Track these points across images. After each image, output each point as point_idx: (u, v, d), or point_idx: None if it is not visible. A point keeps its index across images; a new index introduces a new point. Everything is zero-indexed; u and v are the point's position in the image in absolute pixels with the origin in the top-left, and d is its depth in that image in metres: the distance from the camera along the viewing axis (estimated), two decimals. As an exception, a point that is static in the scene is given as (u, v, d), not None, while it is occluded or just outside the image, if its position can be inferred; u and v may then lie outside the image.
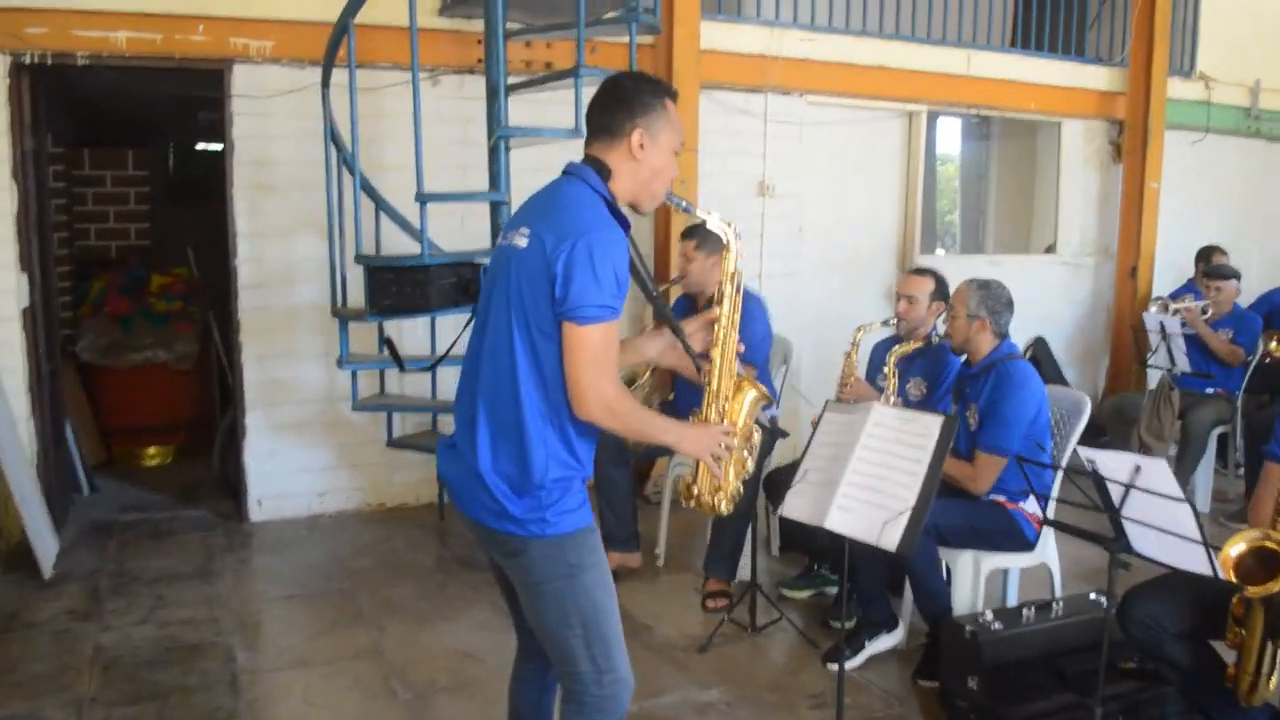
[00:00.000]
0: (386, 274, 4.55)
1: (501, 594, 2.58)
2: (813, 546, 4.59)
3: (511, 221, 2.40)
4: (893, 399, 4.16)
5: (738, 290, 2.55)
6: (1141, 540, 2.56)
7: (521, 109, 5.02)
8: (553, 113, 5.30)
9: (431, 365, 4.86)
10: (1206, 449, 5.79)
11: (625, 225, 2.29)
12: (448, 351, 4.83)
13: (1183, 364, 5.79)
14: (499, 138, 4.48)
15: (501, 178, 4.56)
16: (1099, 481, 2.56)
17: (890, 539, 2.77)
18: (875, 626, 3.95)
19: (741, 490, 2.60)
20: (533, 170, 3.44)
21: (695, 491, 2.61)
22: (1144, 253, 7.63)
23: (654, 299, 2.53)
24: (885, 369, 4.23)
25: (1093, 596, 3.68)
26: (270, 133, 5.31)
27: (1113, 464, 2.52)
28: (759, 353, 4.44)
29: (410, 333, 5.54)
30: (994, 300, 3.91)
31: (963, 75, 6.98)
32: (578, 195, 2.29)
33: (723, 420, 2.52)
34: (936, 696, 3.61)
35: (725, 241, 2.54)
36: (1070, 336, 7.87)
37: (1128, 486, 2.47)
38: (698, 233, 4.51)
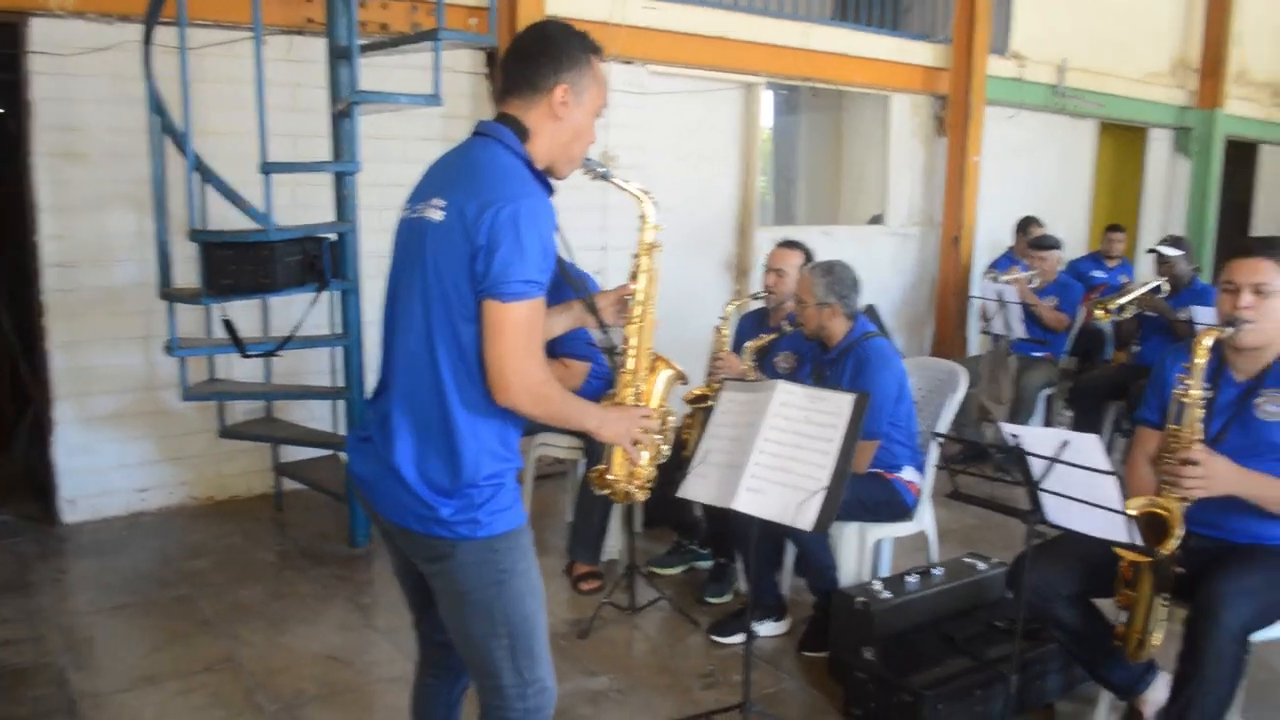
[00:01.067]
0: (225, 251, 4.18)
1: (407, 600, 2.37)
2: (681, 522, 4.55)
3: (418, 191, 2.14)
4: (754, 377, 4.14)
5: (655, 264, 2.41)
6: (1058, 511, 2.60)
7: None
8: (393, 78, 5.00)
9: (275, 349, 4.51)
10: (1036, 409, 6.10)
11: (549, 191, 2.10)
12: (291, 334, 4.50)
13: (1018, 330, 6.06)
14: (352, 104, 4.17)
15: (352, 146, 4.25)
16: (1021, 456, 2.58)
17: (806, 519, 2.73)
18: (764, 610, 3.92)
19: (655, 475, 2.49)
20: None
21: (610, 479, 2.49)
22: (966, 223, 7.97)
23: (568, 269, 2.36)
24: (743, 354, 4.21)
25: (967, 560, 3.78)
26: (77, 95, 4.79)
27: (1038, 439, 2.54)
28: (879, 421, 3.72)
29: (241, 315, 5.14)
30: (840, 284, 3.87)
31: (800, 48, 7.05)
32: (497, 158, 2.05)
33: (639, 403, 2.39)
34: (826, 667, 3.63)
35: (642, 212, 2.40)
36: (898, 304, 8.15)
37: (1053, 460, 2.50)
38: None
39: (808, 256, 4.34)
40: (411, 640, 2.50)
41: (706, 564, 4.47)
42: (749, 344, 4.20)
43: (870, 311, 7.68)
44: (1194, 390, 2.84)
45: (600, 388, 4.03)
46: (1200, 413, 2.84)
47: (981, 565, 3.74)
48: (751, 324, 4.51)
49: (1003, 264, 7.13)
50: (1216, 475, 2.74)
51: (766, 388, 2.99)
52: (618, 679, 3.63)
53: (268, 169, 4.16)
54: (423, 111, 4.20)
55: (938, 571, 3.66)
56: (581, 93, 2.12)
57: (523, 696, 2.15)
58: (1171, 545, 2.69)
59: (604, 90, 2.18)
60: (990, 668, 3.24)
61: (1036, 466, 2.56)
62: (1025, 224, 7.50)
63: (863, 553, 3.80)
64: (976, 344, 7.74)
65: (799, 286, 3.98)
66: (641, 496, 2.49)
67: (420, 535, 2.07)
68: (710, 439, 3.06)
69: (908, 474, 3.87)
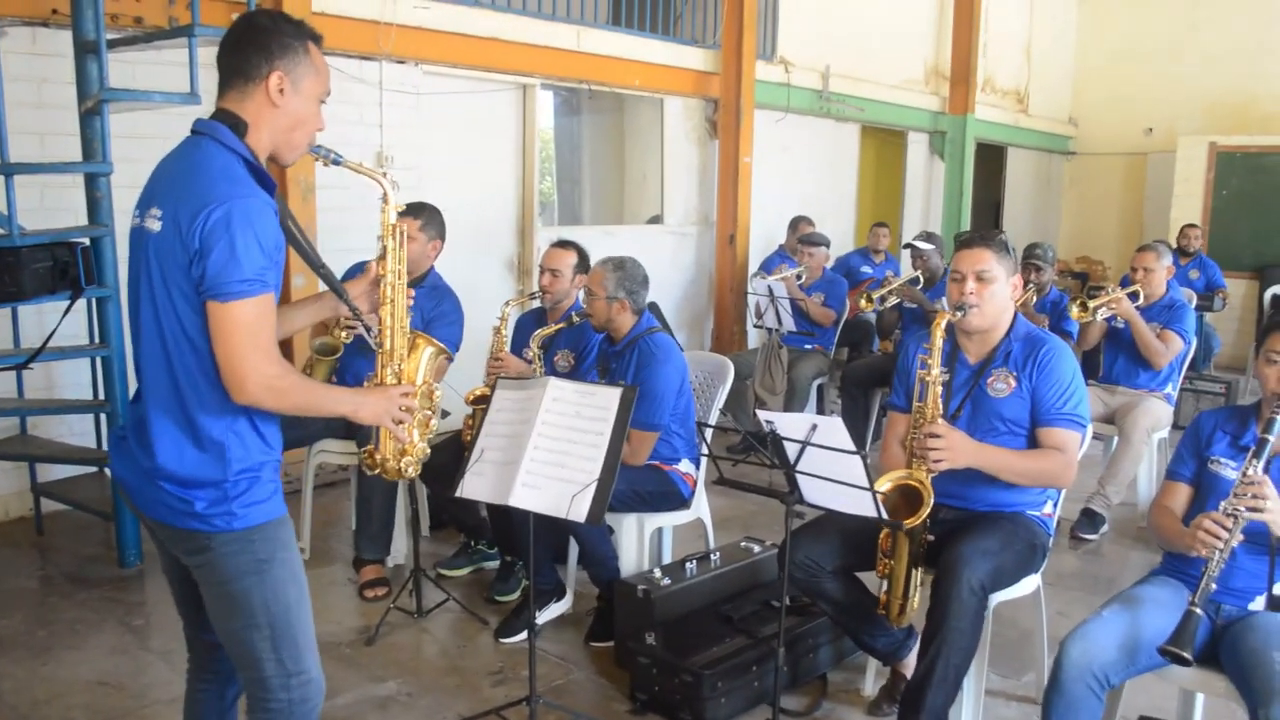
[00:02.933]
0: (-36, 258, 3.90)
1: (175, 599, 2.34)
2: (467, 523, 4.55)
3: (143, 198, 2.11)
4: (540, 372, 4.19)
5: (401, 244, 2.42)
6: (813, 491, 2.76)
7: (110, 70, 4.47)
8: (153, 74, 4.78)
9: (26, 362, 4.23)
10: (809, 398, 6.41)
11: (270, 187, 2.08)
12: (44, 345, 4.23)
13: (789, 324, 6.35)
14: (102, 101, 3.96)
15: (104, 145, 4.04)
16: (776, 440, 2.73)
17: (579, 511, 2.79)
18: (545, 596, 3.99)
19: (428, 451, 2.51)
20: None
21: (379, 458, 2.49)
22: (740, 222, 8.27)
23: (310, 259, 2.34)
24: (527, 351, 4.25)
25: (743, 544, 3.96)
26: None
27: (791, 424, 2.69)
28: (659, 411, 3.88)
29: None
30: (630, 280, 3.99)
31: (574, 50, 7.14)
32: (209, 160, 2.03)
33: (399, 381, 2.41)
34: (612, 656, 3.72)
35: (383, 193, 2.42)
36: (679, 301, 8.37)
37: (804, 444, 2.65)
38: (421, 211, 4.31)
39: (581, 256, 4.42)
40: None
41: (494, 563, 4.49)
42: (539, 331, 4.23)
43: (654, 308, 7.85)
44: (934, 370, 3.09)
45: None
46: (940, 389, 3.09)
47: (756, 548, 3.92)
48: (529, 324, 4.55)
49: (773, 261, 7.46)
50: (956, 447, 2.98)
51: (538, 385, 3.04)
52: (406, 683, 3.60)
53: (8, 170, 3.90)
54: (183, 110, 4.02)
55: (715, 556, 3.81)
56: (299, 80, 2.12)
57: (286, 687, 2.16)
58: (924, 514, 2.91)
59: (325, 77, 2.19)
60: (765, 644, 3.41)
61: (791, 450, 2.71)
62: (796, 222, 7.86)
63: (642, 542, 3.91)
64: (755, 338, 8.05)
65: (590, 279, 4.06)
66: (414, 473, 2.50)
67: (178, 529, 2.09)
68: (485, 437, 3.08)
69: (684, 466, 4.01)
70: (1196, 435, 2.97)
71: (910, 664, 3.30)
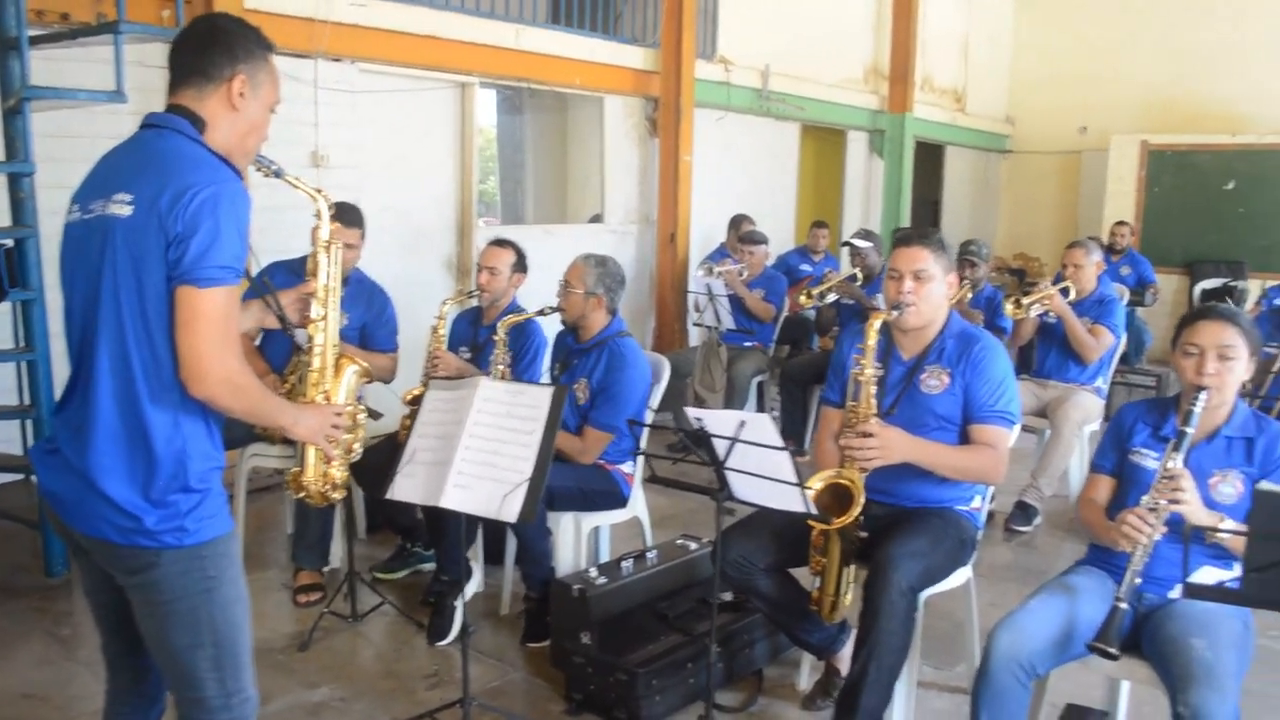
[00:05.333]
0: (-122, 261, 3.80)
1: (97, 621, 2.25)
2: (403, 526, 4.52)
3: (93, 188, 2.04)
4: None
5: (335, 261, 2.42)
6: (743, 488, 2.78)
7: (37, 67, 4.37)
8: (76, 72, 4.67)
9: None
10: (749, 396, 6.44)
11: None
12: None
13: (728, 322, 6.38)
14: (23, 99, 3.88)
15: (26, 145, 3.96)
16: (705, 438, 2.74)
17: (510, 511, 2.78)
18: (456, 587, 3.95)
19: (348, 476, 2.50)
20: None
21: (305, 481, 2.47)
22: (681, 221, 8.29)
23: (247, 266, 2.31)
24: (463, 349, 4.23)
25: (679, 542, 3.96)
26: None
27: (719, 421, 2.70)
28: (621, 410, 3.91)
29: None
30: (610, 278, 4.02)
31: (512, 49, 7.11)
32: (181, 147, 2.00)
33: (328, 400, 2.39)
34: (548, 656, 3.71)
35: (317, 209, 2.41)
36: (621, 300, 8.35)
37: (734, 440, 2.67)
38: (358, 218, 4.33)
39: (519, 255, 4.41)
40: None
41: (431, 565, 4.46)
42: (508, 318, 4.19)
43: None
44: (868, 369, 3.11)
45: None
46: (874, 389, 3.12)
47: (693, 545, 3.93)
48: (466, 323, 4.53)
49: (715, 258, 7.49)
50: (890, 445, 3.01)
51: (470, 385, 3.03)
52: (339, 688, 3.56)
53: (-74, 171, 3.81)
54: (110, 109, 3.95)
55: (652, 554, 3.81)
56: (258, 86, 2.12)
57: (227, 708, 2.10)
58: (855, 512, 2.94)
59: (278, 87, 2.18)
60: (700, 641, 3.41)
61: (721, 447, 2.72)
62: (737, 221, 7.90)
63: (579, 541, 3.91)
64: (696, 337, 8.07)
65: (570, 273, 4.05)
66: (338, 497, 2.49)
67: (121, 546, 1.98)
68: (417, 438, 3.06)
69: (627, 466, 4.03)
70: (1119, 428, 3.03)
71: (844, 657, 3.34)
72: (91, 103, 4.06)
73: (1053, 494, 5.41)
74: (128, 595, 2.07)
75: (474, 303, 4.53)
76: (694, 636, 3.46)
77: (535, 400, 2.90)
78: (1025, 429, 5.99)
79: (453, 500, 2.87)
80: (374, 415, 3.32)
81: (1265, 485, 2.62)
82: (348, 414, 2.38)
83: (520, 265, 4.39)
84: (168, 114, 2.07)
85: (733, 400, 6.29)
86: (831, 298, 6.37)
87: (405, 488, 3.01)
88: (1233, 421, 2.84)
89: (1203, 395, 2.73)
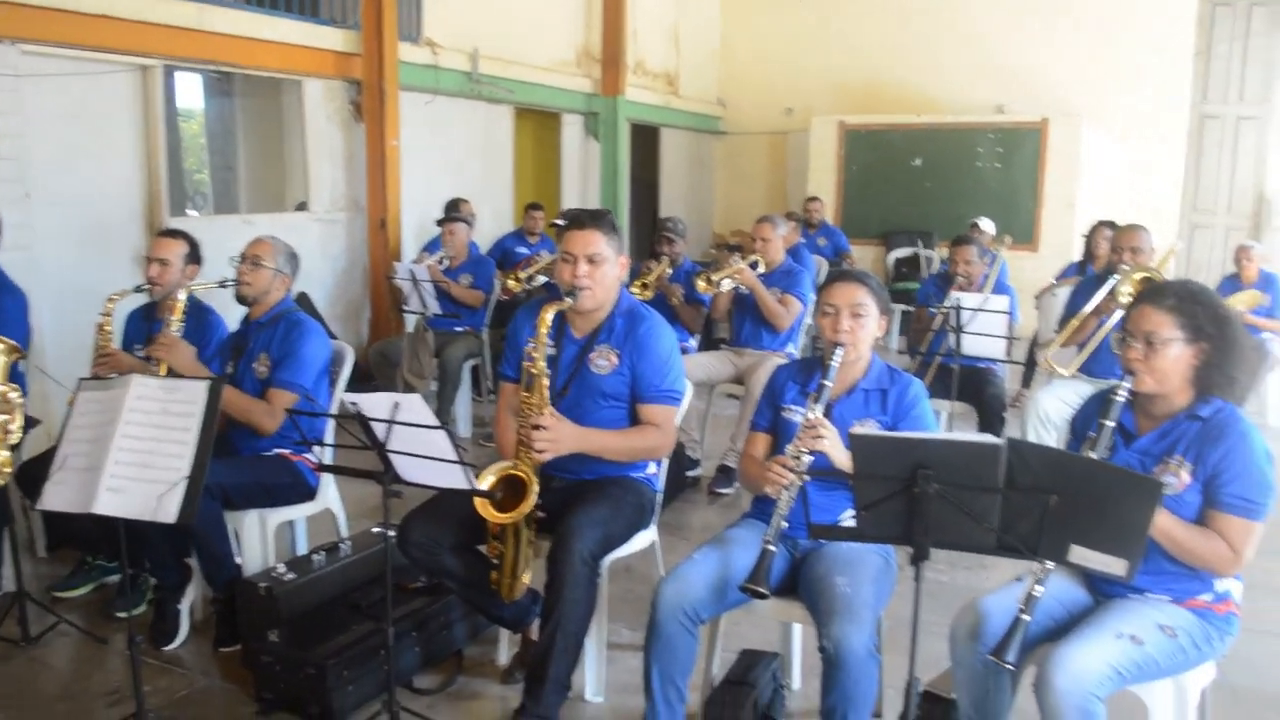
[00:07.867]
0: None
1: None
2: (83, 539, 4.24)
3: None
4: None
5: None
6: (409, 470, 2.78)
7: None
8: None
9: None
10: (462, 381, 6.44)
11: None
12: None
13: (434, 307, 6.34)
14: None
15: None
16: (364, 421, 2.72)
17: (168, 511, 2.68)
18: (176, 591, 3.81)
19: (9, 458, 2.33)
20: None
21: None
22: (391, 207, 8.14)
23: None
24: (138, 347, 4.03)
25: (375, 530, 3.92)
26: None
27: (374, 404, 2.70)
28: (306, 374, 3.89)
29: None
30: (293, 263, 4.06)
31: (197, 30, 6.74)
32: None
33: None
34: (240, 659, 3.59)
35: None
36: (332, 291, 8.15)
37: (390, 422, 2.67)
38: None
39: (191, 245, 4.22)
40: None
41: (116, 578, 4.22)
42: (173, 302, 3.99)
43: (304, 300, 7.61)
44: (540, 361, 3.16)
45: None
46: (546, 381, 3.17)
47: (391, 533, 3.89)
48: (139, 318, 4.30)
49: (433, 249, 7.41)
50: (561, 438, 3.09)
51: (122, 384, 2.88)
52: (8, 718, 3.32)
53: None
54: None
55: (345, 545, 3.75)
56: None
57: None
58: (530, 504, 3.00)
59: None
60: (393, 627, 3.39)
61: (380, 429, 2.72)
62: (454, 204, 7.87)
63: (265, 539, 3.79)
64: (412, 324, 7.98)
65: (259, 249, 3.96)
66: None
67: None
68: (69, 443, 2.89)
69: (313, 456, 3.93)
70: (772, 387, 3.24)
71: (536, 627, 3.41)
72: None
73: (751, 456, 5.69)
74: None
75: (145, 298, 4.28)
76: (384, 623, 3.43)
77: (191, 395, 2.80)
78: (730, 396, 6.34)
79: (106, 505, 2.74)
80: (34, 422, 3.13)
81: (858, 429, 2.86)
82: None
83: (194, 256, 4.20)
84: None
85: (445, 386, 6.27)
86: (540, 280, 6.46)
87: (56, 496, 2.85)
88: (869, 375, 3.09)
89: (839, 351, 2.96)
